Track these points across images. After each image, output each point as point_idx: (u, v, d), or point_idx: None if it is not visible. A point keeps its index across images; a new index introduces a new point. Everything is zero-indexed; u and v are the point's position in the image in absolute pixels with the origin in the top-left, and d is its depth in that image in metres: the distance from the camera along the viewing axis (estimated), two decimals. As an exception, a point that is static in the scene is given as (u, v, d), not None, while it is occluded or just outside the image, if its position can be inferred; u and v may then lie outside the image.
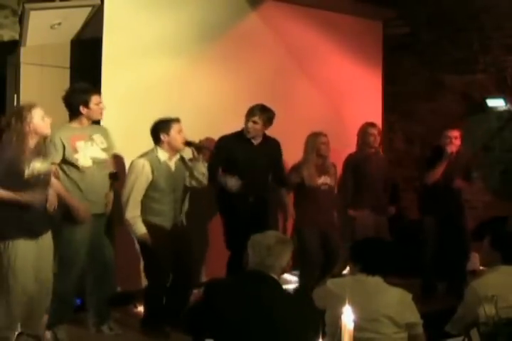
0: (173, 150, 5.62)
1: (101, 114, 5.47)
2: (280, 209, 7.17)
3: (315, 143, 6.47)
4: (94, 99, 5.36)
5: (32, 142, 4.76)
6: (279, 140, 6.54)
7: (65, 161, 5.30)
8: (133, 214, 5.46)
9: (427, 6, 8.51)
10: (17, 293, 4.74)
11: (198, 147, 5.72)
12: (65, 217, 5.22)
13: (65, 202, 5.18)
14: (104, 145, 5.52)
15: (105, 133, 5.61)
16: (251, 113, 6.25)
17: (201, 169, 5.74)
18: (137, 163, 5.49)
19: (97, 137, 5.49)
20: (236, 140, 6.32)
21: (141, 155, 5.54)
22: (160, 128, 5.55)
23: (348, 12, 8.08)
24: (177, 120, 5.59)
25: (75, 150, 5.30)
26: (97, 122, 5.69)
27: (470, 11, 8.15)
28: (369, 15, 8.35)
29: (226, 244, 6.35)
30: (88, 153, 5.37)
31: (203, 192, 6.01)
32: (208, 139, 6.35)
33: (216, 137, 6.48)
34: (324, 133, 6.52)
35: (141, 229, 5.46)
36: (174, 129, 5.55)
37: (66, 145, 5.27)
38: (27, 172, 4.69)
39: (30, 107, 4.77)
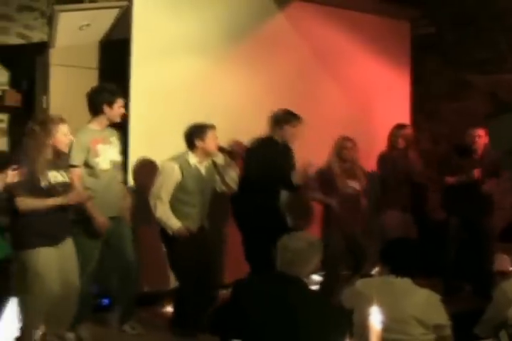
0: (206, 155, 5.66)
1: (120, 117, 5.49)
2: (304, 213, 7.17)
3: (338, 148, 6.49)
4: (119, 101, 5.39)
5: (50, 154, 4.81)
6: (304, 141, 6.55)
7: (84, 164, 5.34)
8: (163, 211, 5.49)
9: (451, 6, 8.47)
10: (43, 298, 4.77)
11: (230, 153, 5.79)
12: (81, 227, 5.26)
13: (87, 212, 5.23)
14: (119, 148, 5.58)
15: (118, 136, 5.65)
16: (293, 120, 6.25)
17: (233, 175, 5.81)
18: (167, 165, 5.55)
19: (114, 140, 5.53)
20: (270, 144, 6.33)
21: (172, 159, 5.58)
22: (195, 134, 5.58)
23: (374, 12, 8.06)
24: (212, 126, 5.62)
25: (96, 154, 5.33)
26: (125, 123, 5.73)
27: (494, 10, 8.11)
28: (394, 15, 8.32)
29: (246, 256, 6.31)
30: (108, 156, 5.41)
31: (221, 194, 6.04)
32: (238, 144, 6.38)
33: (240, 137, 6.50)
34: (350, 137, 6.51)
35: (176, 223, 5.49)
36: (209, 136, 5.58)
37: (89, 148, 5.31)
38: (43, 182, 4.74)
39: (58, 121, 4.81)
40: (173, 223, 5.50)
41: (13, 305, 2.09)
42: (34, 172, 4.69)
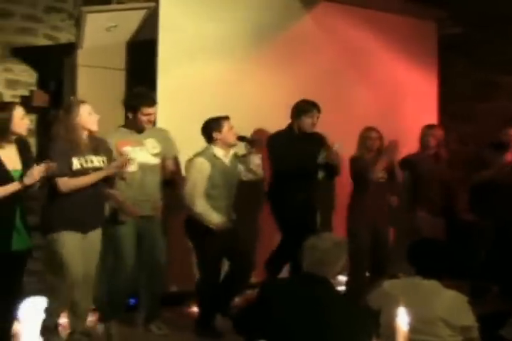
0: (227, 146, 5.68)
1: (148, 123, 5.50)
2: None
3: (362, 138, 6.54)
4: (144, 109, 5.41)
5: (82, 136, 4.88)
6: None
7: None
8: (203, 206, 5.49)
9: (478, 6, 8.40)
10: (67, 281, 4.85)
11: (250, 141, 5.86)
12: (110, 217, 5.35)
13: (112, 201, 5.30)
14: (157, 150, 5.58)
15: (161, 137, 5.66)
16: (310, 109, 6.25)
17: (256, 161, 5.82)
18: (196, 161, 5.55)
19: (149, 142, 5.55)
20: (289, 137, 6.35)
21: (198, 154, 5.59)
22: (212, 127, 5.61)
23: (400, 12, 8.03)
24: (227, 117, 5.65)
25: (121, 156, 5.36)
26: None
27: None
28: (420, 16, 8.28)
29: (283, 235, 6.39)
30: (136, 158, 5.43)
31: (252, 189, 6.09)
32: (258, 133, 6.40)
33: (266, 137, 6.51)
34: (375, 127, 6.55)
35: (216, 217, 5.50)
36: (225, 127, 5.61)
37: (113, 149, 5.34)
38: (75, 164, 4.81)
39: (79, 102, 4.91)
40: (214, 218, 5.49)
41: (34, 299, 2.12)
42: (65, 155, 4.77)
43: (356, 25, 7.58)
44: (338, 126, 6.62)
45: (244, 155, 5.87)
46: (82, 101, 4.94)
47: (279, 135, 6.37)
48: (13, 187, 4.48)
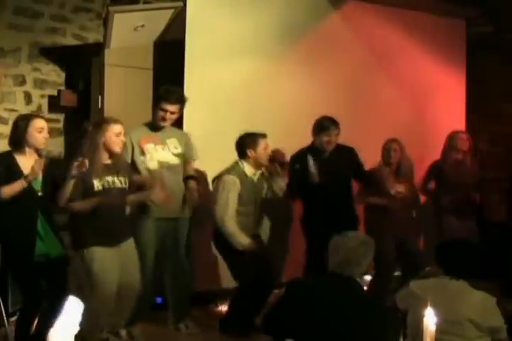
0: (258, 165, 5.63)
1: (162, 120, 5.43)
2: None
3: (383, 150, 6.45)
4: (162, 104, 5.37)
5: (105, 156, 4.85)
6: (360, 142, 6.48)
7: (132, 162, 5.37)
8: (234, 227, 5.46)
9: (508, 4, 8.33)
10: (99, 297, 4.82)
11: (282, 163, 5.75)
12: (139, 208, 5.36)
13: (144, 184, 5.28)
14: (178, 151, 5.55)
15: (183, 139, 5.64)
16: (327, 128, 6.06)
17: (281, 184, 5.76)
18: (228, 179, 5.50)
19: (172, 142, 5.53)
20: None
21: (228, 170, 5.54)
22: (247, 144, 5.56)
23: (430, 11, 7.97)
24: (263, 135, 5.58)
25: (142, 152, 5.35)
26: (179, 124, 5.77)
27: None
28: (451, 14, 8.22)
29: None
30: (156, 156, 5.42)
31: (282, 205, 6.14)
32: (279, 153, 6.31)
33: (294, 139, 6.46)
34: (397, 139, 6.43)
35: (246, 239, 5.46)
36: (261, 145, 5.55)
37: (135, 146, 5.34)
38: (96, 186, 4.79)
39: (110, 121, 4.86)
40: (244, 239, 5.46)
41: (72, 303, 2.10)
42: (88, 175, 4.74)
43: (384, 24, 7.54)
44: (366, 126, 6.57)
45: (271, 175, 5.81)
46: (114, 121, 4.87)
47: (299, 155, 6.17)
48: (18, 185, 4.52)
